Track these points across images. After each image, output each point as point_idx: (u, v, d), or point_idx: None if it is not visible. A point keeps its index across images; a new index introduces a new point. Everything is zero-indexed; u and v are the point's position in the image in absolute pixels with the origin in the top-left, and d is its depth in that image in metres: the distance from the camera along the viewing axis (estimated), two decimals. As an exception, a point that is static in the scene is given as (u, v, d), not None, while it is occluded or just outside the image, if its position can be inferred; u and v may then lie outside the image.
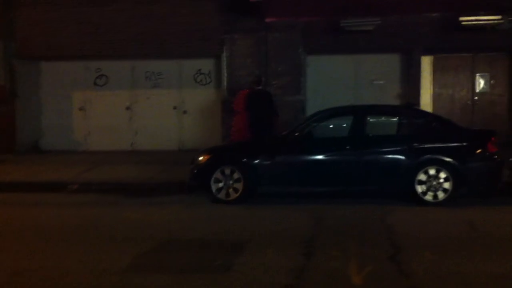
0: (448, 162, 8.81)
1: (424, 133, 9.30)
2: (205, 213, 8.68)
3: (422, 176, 8.82)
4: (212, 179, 9.20)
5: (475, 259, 5.99)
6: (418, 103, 13.83)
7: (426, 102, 14.68)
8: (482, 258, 6.01)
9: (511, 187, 9.68)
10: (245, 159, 9.27)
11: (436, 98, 14.94)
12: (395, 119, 9.73)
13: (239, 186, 9.18)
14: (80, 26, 14.71)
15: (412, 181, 8.82)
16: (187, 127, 15.56)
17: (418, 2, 12.82)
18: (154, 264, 5.99)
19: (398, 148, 9.02)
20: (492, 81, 14.77)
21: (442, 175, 8.78)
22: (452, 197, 8.80)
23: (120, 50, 14.79)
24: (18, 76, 15.17)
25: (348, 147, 9.13)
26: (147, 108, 15.61)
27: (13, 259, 6.21)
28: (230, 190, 9.21)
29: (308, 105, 14.41)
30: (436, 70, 14.92)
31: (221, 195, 9.22)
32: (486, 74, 14.76)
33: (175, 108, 15.55)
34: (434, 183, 8.80)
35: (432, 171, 8.82)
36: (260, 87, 11.93)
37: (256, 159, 9.22)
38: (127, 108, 15.70)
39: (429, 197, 8.82)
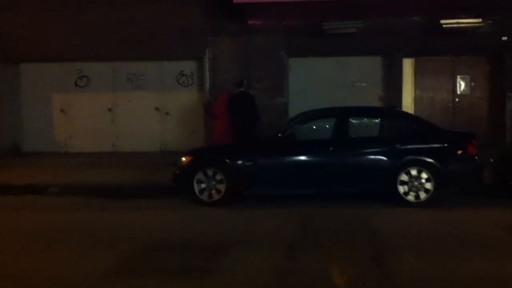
0: (430, 163, 8.88)
1: (406, 135, 9.37)
2: (188, 216, 8.64)
3: (404, 177, 8.88)
4: (195, 180, 9.16)
5: (457, 259, 6.03)
6: (400, 105, 13.91)
7: (407, 104, 14.78)
8: (464, 259, 6.06)
9: (491, 188, 9.78)
10: (227, 160, 9.26)
11: (417, 100, 15.04)
12: (377, 121, 9.78)
13: (222, 187, 9.15)
14: (61, 28, 14.57)
15: (394, 182, 8.87)
16: (169, 129, 15.47)
17: (400, 6, 12.90)
18: (137, 268, 5.94)
19: (380, 149, 9.08)
20: (472, 83, 14.92)
21: (424, 175, 8.85)
22: (434, 198, 8.87)
23: (101, 51, 14.68)
24: (-2, 78, 15.00)
25: (331, 148, 9.16)
26: (129, 109, 15.49)
27: (-9, 263, 6.12)
28: (213, 191, 9.18)
29: (291, 107, 14.41)
30: (418, 72, 15.03)
31: (204, 197, 9.19)
32: (467, 76, 14.91)
33: (157, 109, 15.47)
34: (416, 183, 8.87)
35: (414, 172, 8.88)
36: (242, 89, 11.92)
37: (239, 160, 9.20)
38: (109, 109, 15.58)
39: (411, 197, 8.88)
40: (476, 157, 9.06)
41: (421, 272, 5.61)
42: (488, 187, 9.74)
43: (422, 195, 8.87)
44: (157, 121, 15.49)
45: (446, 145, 9.15)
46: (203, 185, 9.17)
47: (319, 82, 14.84)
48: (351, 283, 5.33)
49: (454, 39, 13.72)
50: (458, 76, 14.93)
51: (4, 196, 10.31)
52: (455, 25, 13.30)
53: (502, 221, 7.81)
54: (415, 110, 14.72)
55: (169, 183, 9.79)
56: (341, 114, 9.59)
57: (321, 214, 8.54)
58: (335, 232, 7.39)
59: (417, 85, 15.01)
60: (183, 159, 9.50)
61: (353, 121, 9.61)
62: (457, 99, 14.99)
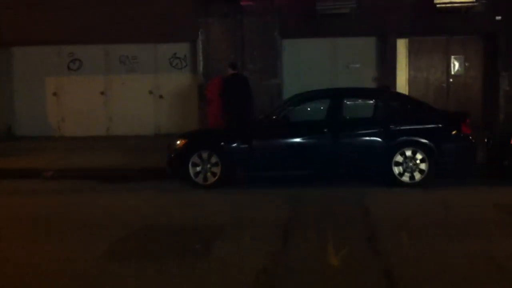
0: (424, 143, 8.90)
1: (400, 115, 9.36)
2: (182, 198, 8.64)
3: (398, 158, 8.90)
4: (190, 163, 9.15)
5: (450, 239, 6.06)
6: (394, 86, 13.90)
7: (401, 84, 14.77)
8: (457, 238, 6.10)
9: (485, 168, 9.81)
10: (222, 143, 9.24)
11: (411, 80, 15.03)
12: (371, 102, 9.79)
13: (216, 170, 9.15)
14: (52, 10, 14.44)
15: (389, 163, 8.89)
16: (163, 112, 15.44)
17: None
18: (130, 250, 5.94)
19: (374, 130, 9.07)
20: (466, 64, 14.91)
21: (419, 156, 8.88)
22: (429, 178, 8.89)
23: (93, 34, 14.58)
24: (-11, 62, 14.89)
25: (325, 130, 9.14)
26: (122, 93, 15.43)
27: (-14, 248, 6.12)
28: (208, 174, 9.17)
29: (285, 89, 14.39)
30: (411, 53, 15.01)
31: (199, 179, 9.18)
32: (461, 56, 14.89)
33: (150, 92, 15.41)
34: (411, 164, 8.89)
35: (408, 153, 8.90)
36: (235, 71, 11.86)
37: (234, 143, 9.19)
38: (102, 93, 15.50)
39: (406, 178, 8.91)
40: (470, 137, 9.07)
41: (415, 251, 5.65)
42: (482, 167, 9.77)
43: (417, 175, 8.89)
44: (150, 104, 15.44)
45: (440, 125, 9.15)
46: (198, 168, 9.16)
47: (313, 64, 14.80)
48: (345, 262, 5.36)
49: (448, 18, 13.68)
50: (452, 56, 14.91)
51: (-3, 181, 10.29)
52: (449, 5, 13.27)
53: (495, 201, 7.84)
54: (409, 91, 14.74)
55: (163, 166, 9.77)
56: (335, 96, 9.56)
57: (316, 195, 8.57)
58: (330, 213, 7.41)
59: (411, 65, 15.00)
60: (178, 142, 9.48)
61: (348, 102, 9.59)
62: (451, 79, 14.99)
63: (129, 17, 14.30)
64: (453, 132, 9.12)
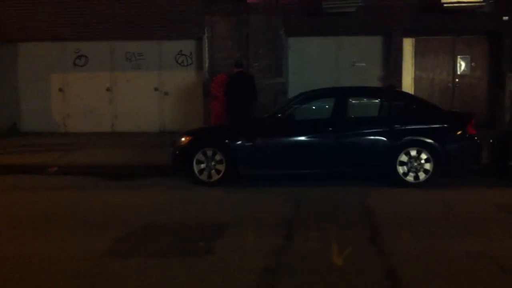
0: (429, 143, 8.87)
1: (405, 115, 9.34)
2: (186, 196, 8.63)
3: (403, 157, 8.88)
4: (194, 160, 9.15)
5: (453, 238, 6.07)
6: (399, 85, 13.87)
7: (407, 84, 14.74)
8: (459, 238, 6.10)
9: (490, 168, 9.79)
10: (227, 141, 9.24)
11: (417, 80, 14.99)
12: (376, 101, 9.78)
13: (221, 167, 9.15)
14: (57, 7, 14.48)
15: (393, 162, 8.87)
16: (168, 109, 15.44)
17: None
18: (133, 248, 5.94)
19: (379, 130, 9.04)
20: (472, 64, 14.86)
21: (423, 156, 8.85)
22: (433, 178, 8.87)
23: (99, 31, 14.62)
24: (-5, 58, 14.93)
25: (330, 129, 9.12)
26: (127, 89, 15.44)
27: (-11, 244, 6.12)
28: (212, 171, 9.18)
29: (290, 87, 14.38)
30: (418, 52, 14.96)
31: (203, 177, 9.18)
32: (467, 56, 14.84)
33: (156, 89, 15.42)
34: (415, 164, 8.87)
35: (413, 152, 8.88)
36: (240, 69, 11.85)
37: (239, 141, 9.18)
38: (107, 89, 15.53)
39: (410, 178, 8.89)
40: (475, 138, 9.04)
41: (417, 250, 5.64)
42: (487, 167, 9.76)
43: (421, 175, 8.87)
44: (156, 101, 15.45)
45: (445, 125, 9.12)
46: (202, 166, 9.17)
47: (318, 62, 14.78)
48: (348, 261, 5.36)
49: (454, 18, 13.65)
50: (459, 56, 14.86)
51: (1, 176, 10.29)
52: (456, 4, 13.23)
53: (498, 201, 7.82)
54: (415, 90, 14.70)
55: (168, 163, 9.78)
56: (340, 94, 9.54)
57: (320, 193, 8.55)
58: (333, 211, 7.41)
59: (417, 65, 14.96)
60: (182, 139, 9.48)
61: (353, 101, 9.58)
62: (457, 79, 14.94)
63: (135, 14, 14.33)
64: (458, 133, 9.08)
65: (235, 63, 12.00)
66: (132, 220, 7.00)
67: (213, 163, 9.16)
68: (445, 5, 13.22)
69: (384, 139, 8.97)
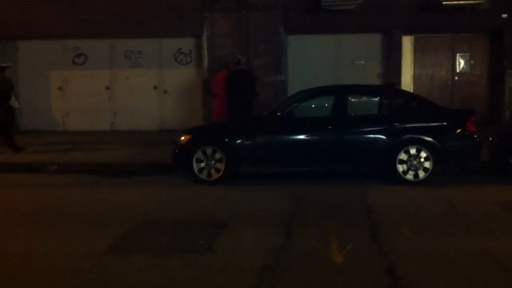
0: (429, 141, 8.87)
1: (405, 113, 9.33)
2: (186, 193, 8.63)
3: (403, 156, 8.87)
4: (194, 159, 9.14)
5: (453, 236, 6.07)
6: (399, 83, 13.87)
7: (407, 82, 14.76)
8: (460, 236, 6.10)
9: (490, 166, 9.79)
10: (227, 139, 9.23)
11: (416, 78, 15.01)
12: (376, 99, 9.77)
13: (220, 166, 9.14)
14: (57, 4, 14.46)
15: (393, 161, 8.86)
16: (168, 107, 15.44)
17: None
18: (134, 245, 5.94)
19: (379, 128, 9.04)
20: (472, 61, 14.86)
21: (423, 154, 8.85)
22: (433, 176, 8.86)
23: (98, 28, 14.60)
24: (-6, 56, 14.88)
25: (329, 127, 9.13)
26: (127, 87, 15.44)
27: (-11, 242, 6.11)
28: (212, 170, 9.17)
29: (289, 85, 14.38)
30: (417, 50, 14.97)
31: (203, 175, 9.18)
32: (466, 54, 14.85)
33: (155, 88, 15.41)
34: (415, 162, 8.86)
35: (413, 151, 8.87)
36: (240, 67, 11.84)
37: (238, 139, 9.18)
38: (107, 88, 15.51)
39: (410, 176, 8.88)
40: (475, 135, 9.04)
41: (419, 249, 5.64)
42: (487, 165, 9.76)
43: (421, 174, 8.87)
44: (155, 99, 15.45)
45: (445, 123, 9.12)
46: (202, 164, 9.15)
47: (318, 60, 14.79)
48: (348, 259, 5.36)
49: (454, 16, 13.66)
50: (458, 54, 14.86)
51: (2, 174, 10.29)
52: (455, 2, 13.23)
53: (498, 199, 7.82)
54: (414, 88, 14.71)
55: (167, 161, 9.78)
56: (340, 92, 9.53)
57: (319, 191, 8.56)
58: (332, 209, 7.41)
59: (416, 62, 14.97)
60: (182, 137, 9.47)
61: (352, 99, 9.59)
62: (456, 77, 14.95)
63: (135, 12, 14.32)
64: (458, 130, 9.09)
65: (234, 60, 11.99)
66: (132, 218, 6.99)
67: (212, 161, 9.16)
68: (444, 3, 13.22)
69: (384, 137, 8.97)
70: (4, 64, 12.25)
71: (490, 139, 9.93)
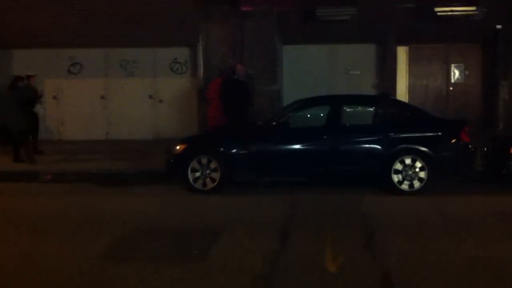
0: (424, 151, 8.89)
1: (400, 123, 9.36)
2: (181, 202, 8.64)
3: (398, 166, 8.89)
4: (189, 168, 9.14)
5: (448, 245, 6.08)
6: (393, 93, 13.92)
7: (401, 92, 14.81)
8: (455, 244, 6.12)
9: (484, 176, 9.84)
10: (222, 149, 9.24)
11: (411, 88, 15.08)
12: (371, 109, 9.80)
13: (216, 175, 9.13)
14: (52, 13, 14.44)
15: (388, 171, 8.88)
16: (163, 116, 15.44)
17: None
18: (129, 253, 5.95)
19: (374, 138, 9.07)
20: (466, 72, 14.93)
21: (418, 164, 8.87)
22: (428, 186, 8.88)
23: (93, 38, 14.58)
24: (-11, 64, 14.88)
25: (324, 136, 9.15)
26: (122, 97, 15.44)
27: (-17, 250, 6.09)
28: (207, 179, 9.16)
29: (284, 94, 14.41)
30: (411, 60, 15.04)
31: (198, 185, 9.17)
32: (461, 64, 14.93)
33: (150, 97, 15.41)
34: (410, 172, 8.88)
35: (408, 161, 8.89)
36: (235, 76, 11.84)
37: (233, 149, 9.19)
38: (102, 97, 15.50)
39: (405, 186, 8.90)
40: (469, 145, 9.08)
41: (412, 257, 5.66)
42: (481, 175, 9.80)
43: (416, 183, 8.88)
44: (150, 109, 15.45)
45: (439, 133, 9.16)
46: (197, 174, 9.14)
47: (312, 69, 14.83)
48: (343, 267, 5.37)
49: (448, 26, 13.72)
50: (452, 65, 14.94)
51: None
52: (449, 13, 13.29)
53: (494, 208, 7.86)
54: (409, 98, 14.77)
55: (162, 170, 9.77)
56: (335, 102, 9.56)
57: (314, 200, 8.57)
58: (328, 218, 7.42)
59: (411, 72, 15.05)
60: (177, 147, 9.47)
61: (347, 109, 9.60)
62: (450, 87, 15.02)
63: (130, 21, 14.31)
64: (453, 141, 9.12)
65: (227, 69, 12.00)
66: (128, 226, 6.98)
67: (208, 171, 9.15)
68: (438, 13, 13.28)
69: (379, 147, 9.00)
70: (29, 73, 12.44)
71: (485, 149, 9.98)
